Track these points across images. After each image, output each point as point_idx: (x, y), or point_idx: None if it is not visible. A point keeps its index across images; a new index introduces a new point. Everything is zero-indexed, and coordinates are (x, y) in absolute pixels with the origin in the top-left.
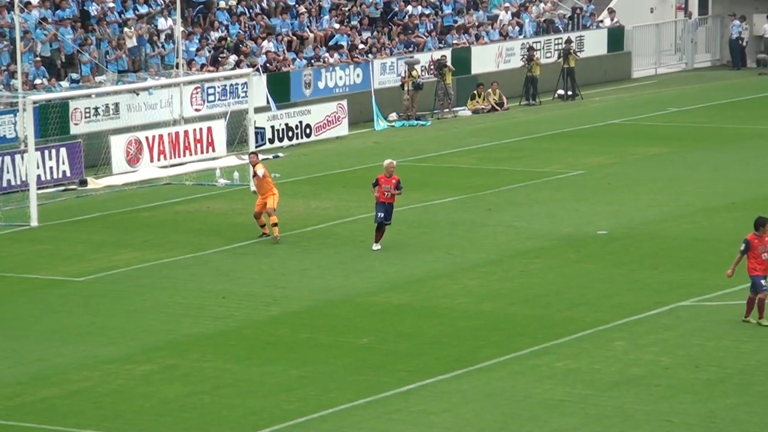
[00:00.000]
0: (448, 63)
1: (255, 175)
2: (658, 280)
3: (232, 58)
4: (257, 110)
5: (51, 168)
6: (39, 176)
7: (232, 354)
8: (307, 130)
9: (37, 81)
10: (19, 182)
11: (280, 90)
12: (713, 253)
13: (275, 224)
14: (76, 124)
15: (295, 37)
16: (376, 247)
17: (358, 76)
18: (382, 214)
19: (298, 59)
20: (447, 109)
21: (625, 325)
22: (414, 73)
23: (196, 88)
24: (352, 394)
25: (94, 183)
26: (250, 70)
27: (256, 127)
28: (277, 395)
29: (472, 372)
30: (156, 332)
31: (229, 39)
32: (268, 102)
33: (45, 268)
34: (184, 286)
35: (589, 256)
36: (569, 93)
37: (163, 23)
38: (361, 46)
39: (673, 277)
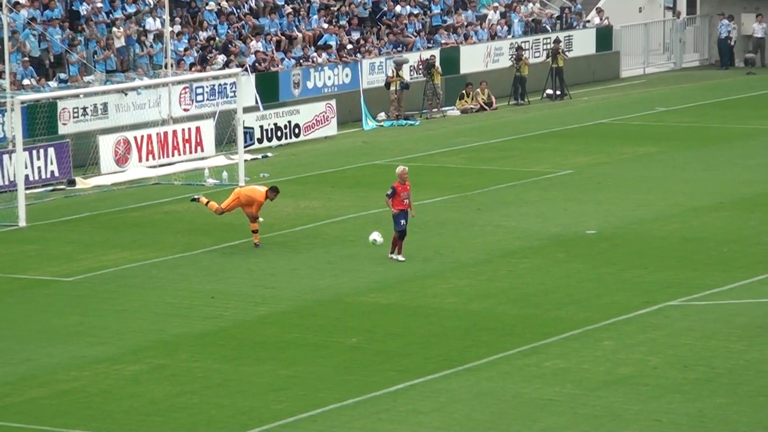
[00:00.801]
0: (437, 64)
1: (260, 203)
2: (647, 279)
3: (221, 57)
4: (246, 110)
5: (39, 168)
6: (27, 176)
7: (221, 354)
8: (296, 130)
9: (26, 81)
10: (7, 182)
11: (269, 90)
12: (702, 252)
13: (256, 231)
14: (64, 124)
15: (283, 37)
16: (401, 258)
17: (346, 75)
18: (404, 221)
19: (286, 59)
20: (436, 109)
21: (614, 325)
22: (400, 72)
23: (184, 88)
24: (341, 394)
25: (82, 183)
26: (239, 69)
27: (244, 127)
28: (266, 395)
29: (461, 372)
30: (145, 332)
31: (217, 39)
32: (256, 102)
33: (33, 268)
34: (173, 286)
35: (578, 255)
36: (558, 93)
37: (151, 23)
38: (349, 46)
39: (661, 277)
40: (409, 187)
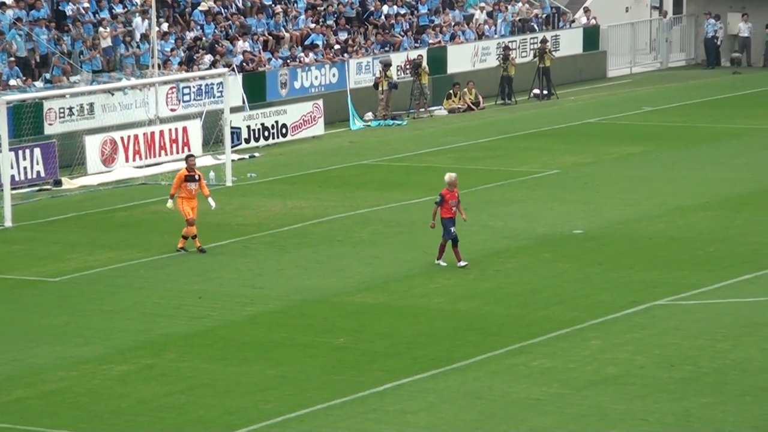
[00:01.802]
0: (424, 64)
1: (198, 179)
2: (634, 279)
3: (208, 57)
4: (233, 110)
5: (25, 168)
6: (13, 176)
7: (209, 354)
8: (283, 130)
9: (12, 81)
10: None
11: (256, 90)
12: (688, 252)
13: (195, 236)
14: (50, 125)
15: (270, 37)
16: (464, 263)
17: (333, 75)
18: (454, 229)
19: (273, 59)
20: (423, 109)
21: (601, 324)
22: (388, 73)
23: (171, 88)
24: (328, 394)
25: (68, 183)
26: (226, 70)
27: (231, 127)
28: (254, 395)
29: (448, 371)
30: (132, 332)
31: (204, 39)
32: (243, 102)
33: (20, 269)
34: (161, 286)
35: (565, 255)
36: (545, 92)
37: (138, 23)
38: (336, 46)
39: (648, 276)
40: (457, 194)
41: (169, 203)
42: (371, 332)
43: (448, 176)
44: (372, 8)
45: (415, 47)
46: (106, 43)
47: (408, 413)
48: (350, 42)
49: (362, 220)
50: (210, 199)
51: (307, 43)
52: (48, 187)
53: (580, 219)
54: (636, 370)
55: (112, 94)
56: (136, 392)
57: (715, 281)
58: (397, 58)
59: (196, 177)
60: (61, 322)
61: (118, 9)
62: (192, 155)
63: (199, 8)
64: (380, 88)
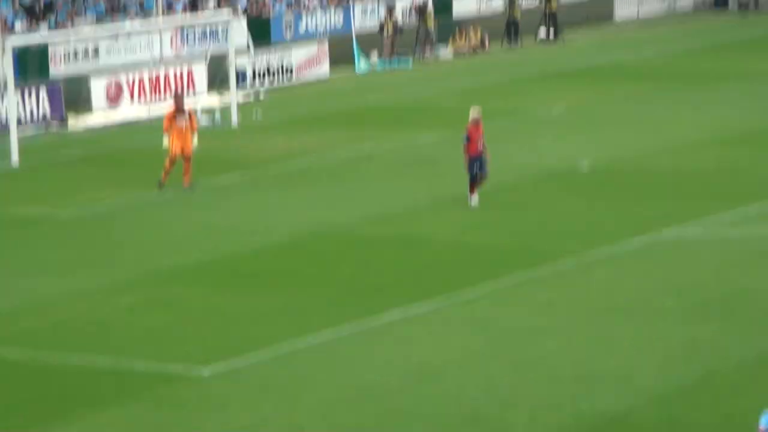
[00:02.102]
0: (429, 7)
1: (188, 116)
2: (641, 211)
3: (212, 1)
4: (238, 52)
5: (31, 110)
6: (19, 118)
7: (216, 285)
8: (288, 72)
9: (17, 26)
10: None
11: (261, 33)
12: (695, 185)
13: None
14: (55, 67)
15: None
16: (474, 201)
17: (339, 18)
18: (477, 166)
19: (278, 3)
20: (428, 51)
21: (608, 255)
22: (393, 16)
23: (176, 31)
24: (336, 323)
25: (75, 123)
26: (229, 13)
27: (236, 69)
28: (262, 324)
29: (456, 302)
30: (139, 264)
31: None
32: (249, 45)
33: (27, 204)
34: (168, 219)
35: (572, 188)
36: (552, 36)
37: None
38: None
39: (655, 208)
40: (482, 129)
41: (165, 141)
42: (378, 264)
43: (473, 112)
44: None
45: None
46: None
47: (415, 342)
48: None
49: (368, 156)
50: (194, 136)
51: None
52: (54, 127)
53: (587, 154)
54: (642, 298)
55: (117, 39)
56: (143, 322)
57: (723, 212)
58: (402, 2)
59: (186, 113)
60: (69, 256)
61: None
62: (180, 93)
63: None
64: (385, 32)
